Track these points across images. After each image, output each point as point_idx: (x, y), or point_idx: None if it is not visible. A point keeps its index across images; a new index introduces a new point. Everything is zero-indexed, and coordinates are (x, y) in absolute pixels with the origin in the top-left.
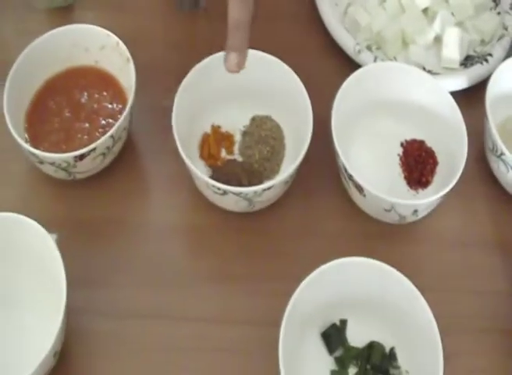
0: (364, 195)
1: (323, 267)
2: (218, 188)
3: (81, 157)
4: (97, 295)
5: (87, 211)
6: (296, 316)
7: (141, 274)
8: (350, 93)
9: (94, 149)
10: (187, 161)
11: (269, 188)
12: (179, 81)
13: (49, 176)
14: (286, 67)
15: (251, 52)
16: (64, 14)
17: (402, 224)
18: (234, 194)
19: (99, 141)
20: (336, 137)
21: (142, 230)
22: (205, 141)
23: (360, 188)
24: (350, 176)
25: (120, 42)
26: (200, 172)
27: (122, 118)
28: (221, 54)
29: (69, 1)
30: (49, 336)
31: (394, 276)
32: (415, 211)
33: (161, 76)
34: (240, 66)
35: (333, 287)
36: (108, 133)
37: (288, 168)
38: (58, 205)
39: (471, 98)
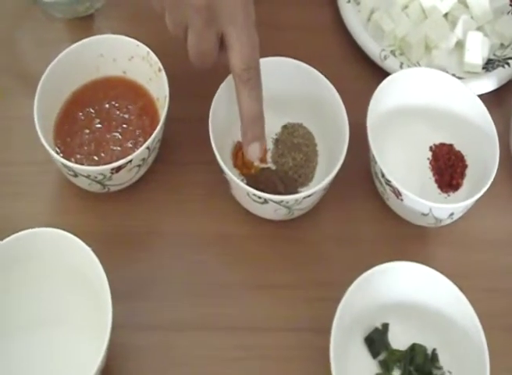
0: (402, 200)
1: (368, 273)
2: (259, 197)
3: (118, 169)
4: (137, 308)
5: (122, 223)
6: (342, 322)
7: (181, 285)
8: (381, 99)
9: (130, 161)
10: (227, 170)
11: (310, 195)
12: (208, 91)
13: (81, 190)
14: (318, 74)
15: (283, 60)
16: (84, 24)
17: (436, 227)
18: (275, 202)
19: (136, 153)
20: (372, 143)
21: (179, 240)
22: (239, 151)
23: (397, 193)
24: (388, 182)
25: (150, 52)
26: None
27: (157, 129)
28: None
29: (90, 11)
30: (95, 353)
31: (436, 278)
32: (451, 214)
33: (188, 86)
34: (262, 153)
35: (376, 292)
36: (145, 145)
37: (322, 174)
38: (92, 218)
39: (492, 101)
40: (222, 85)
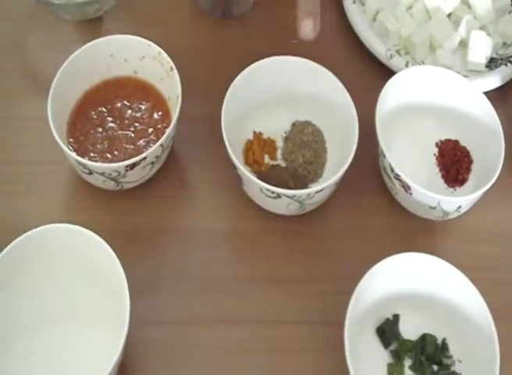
0: (411, 194)
1: (379, 264)
2: (272, 192)
3: (132, 166)
4: (150, 303)
5: (135, 220)
6: (354, 314)
7: (194, 281)
8: (389, 96)
9: (144, 158)
10: (240, 166)
11: (321, 190)
12: (218, 90)
13: (94, 188)
14: (327, 73)
15: (291, 59)
16: (93, 26)
17: (443, 220)
18: (287, 197)
19: (150, 150)
20: (381, 139)
21: (191, 236)
22: (249, 148)
23: (406, 187)
24: (397, 176)
25: (162, 52)
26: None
27: (171, 126)
28: (260, 62)
29: (99, 13)
30: (112, 347)
31: (446, 268)
32: (459, 207)
33: (198, 85)
34: (316, 30)
35: (387, 284)
36: (159, 142)
37: (332, 171)
38: (105, 215)
39: (496, 99)
40: (234, 83)
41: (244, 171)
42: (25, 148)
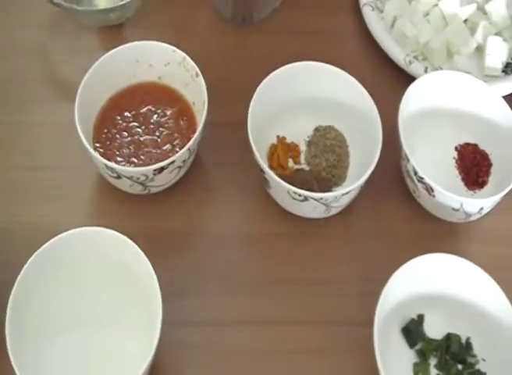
0: (434, 196)
1: (406, 265)
2: (300, 195)
3: (160, 170)
4: (180, 305)
5: (162, 224)
6: (382, 314)
7: (220, 283)
8: (410, 101)
9: (172, 162)
10: (267, 170)
11: (347, 193)
12: (239, 95)
13: (120, 192)
14: (351, 78)
15: (315, 64)
16: (115, 32)
17: (465, 222)
18: (314, 199)
19: (178, 154)
20: (404, 143)
21: (217, 239)
22: (274, 152)
23: (430, 189)
24: (421, 179)
25: (187, 57)
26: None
27: (198, 131)
28: (285, 67)
29: (121, 20)
30: (144, 349)
31: (470, 268)
32: (481, 209)
33: (220, 90)
34: None
35: (412, 284)
36: (186, 146)
37: (354, 175)
38: (132, 219)
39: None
40: (259, 88)
41: (272, 174)
42: (51, 153)
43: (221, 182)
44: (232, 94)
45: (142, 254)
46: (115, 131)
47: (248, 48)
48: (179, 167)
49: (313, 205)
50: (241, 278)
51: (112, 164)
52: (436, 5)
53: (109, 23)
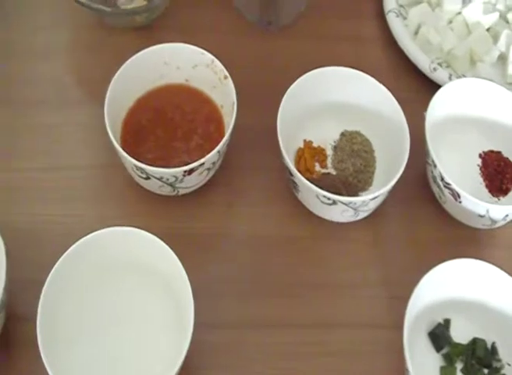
0: (460, 202)
1: (434, 270)
2: (329, 198)
3: (190, 171)
4: (207, 306)
5: (189, 225)
6: (410, 318)
7: (249, 285)
8: (436, 108)
9: (202, 164)
10: (297, 173)
11: (376, 197)
12: (266, 98)
13: (146, 193)
14: (377, 84)
15: (342, 69)
16: (142, 33)
17: (490, 229)
18: (343, 203)
19: (208, 156)
20: (431, 149)
21: (245, 242)
22: (301, 156)
23: (456, 195)
24: (448, 185)
25: (216, 60)
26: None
27: (228, 133)
28: (313, 72)
29: (147, 21)
30: (175, 350)
31: (496, 274)
32: (506, 215)
33: (246, 94)
34: None
35: (439, 289)
36: (216, 148)
37: (380, 180)
38: (159, 220)
39: None
40: (288, 93)
41: (301, 178)
42: (78, 153)
43: (248, 185)
44: (258, 97)
45: (173, 255)
46: (142, 132)
47: (273, 52)
48: (208, 169)
49: (341, 209)
50: (268, 281)
51: (141, 165)
52: (459, 13)
53: (136, 25)
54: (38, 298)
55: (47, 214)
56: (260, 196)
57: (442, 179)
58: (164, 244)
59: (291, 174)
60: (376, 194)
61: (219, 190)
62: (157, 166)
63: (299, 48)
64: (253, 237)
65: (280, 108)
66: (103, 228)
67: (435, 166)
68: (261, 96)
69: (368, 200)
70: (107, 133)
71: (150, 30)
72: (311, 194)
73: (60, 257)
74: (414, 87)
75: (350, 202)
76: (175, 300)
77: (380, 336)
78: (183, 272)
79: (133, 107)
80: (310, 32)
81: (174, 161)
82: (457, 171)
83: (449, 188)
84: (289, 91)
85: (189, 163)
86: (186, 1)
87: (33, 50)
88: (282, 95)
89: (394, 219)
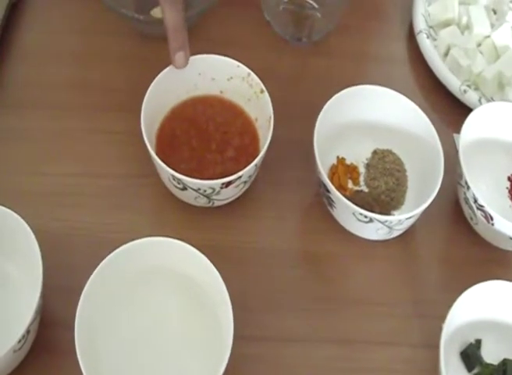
0: (493, 224)
1: (468, 292)
2: (365, 216)
3: (228, 184)
4: (239, 319)
5: (224, 238)
6: (445, 339)
7: (282, 299)
8: (468, 131)
9: (240, 177)
10: (334, 190)
11: (411, 217)
12: (299, 113)
13: (180, 203)
14: (411, 104)
15: (375, 88)
16: None
17: None
18: (379, 222)
19: (245, 169)
20: (465, 171)
21: (278, 255)
22: (334, 172)
23: (489, 218)
24: (481, 207)
25: (252, 73)
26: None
27: (265, 147)
28: (349, 89)
29: None
30: (211, 362)
31: None
32: None
33: (280, 108)
34: (187, 61)
35: (472, 310)
36: (254, 162)
37: (412, 199)
38: (194, 231)
39: None
40: (324, 109)
41: (338, 195)
42: (112, 161)
43: (281, 199)
44: (290, 112)
45: (212, 266)
46: (176, 143)
47: (304, 68)
48: (245, 182)
49: (377, 227)
50: (299, 295)
51: (179, 175)
52: (488, 36)
53: None
54: (72, 304)
55: (82, 221)
56: (293, 210)
57: (476, 201)
58: (202, 256)
59: (327, 191)
60: (412, 213)
61: (252, 203)
62: (192, 177)
63: (330, 66)
64: (284, 251)
65: (317, 124)
66: (137, 237)
67: (468, 188)
68: (294, 111)
69: (404, 219)
70: (141, 143)
71: None
72: (347, 211)
73: (94, 264)
74: (443, 108)
75: (386, 221)
76: (213, 312)
77: (411, 355)
78: (222, 284)
79: (167, 117)
80: (340, 50)
81: (208, 172)
82: (486, 193)
83: (482, 210)
84: (325, 106)
85: (223, 175)
86: (218, 13)
87: (68, 56)
88: (314, 111)
89: (425, 238)
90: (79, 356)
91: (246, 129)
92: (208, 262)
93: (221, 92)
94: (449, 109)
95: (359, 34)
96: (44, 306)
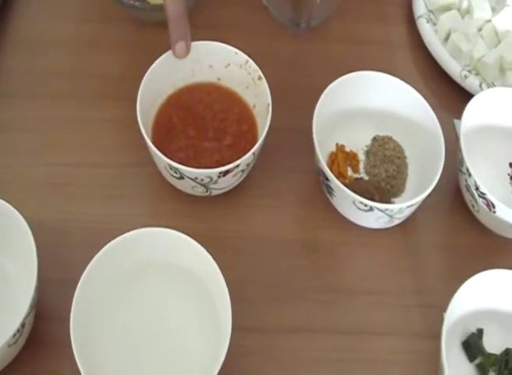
0: (495, 212)
1: (469, 281)
2: (365, 205)
3: (225, 173)
4: (239, 310)
5: (221, 227)
6: (447, 328)
7: (280, 289)
8: (469, 117)
9: (237, 165)
10: (333, 178)
11: (412, 205)
12: (298, 100)
13: (176, 192)
14: (411, 90)
15: (375, 74)
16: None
17: None
18: (380, 210)
19: (243, 158)
20: (466, 158)
21: (276, 244)
22: (334, 160)
23: (491, 205)
24: (483, 194)
25: (250, 60)
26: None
27: (263, 134)
28: (348, 76)
29: None
30: (210, 354)
31: None
32: None
33: (278, 95)
34: (188, 51)
35: (474, 299)
36: (252, 150)
37: (412, 186)
38: (191, 221)
39: None
40: (322, 96)
41: (338, 183)
42: (107, 151)
43: (279, 187)
44: (288, 98)
45: (209, 257)
46: (173, 132)
47: (303, 54)
48: (243, 171)
49: (377, 215)
50: (300, 285)
51: (176, 164)
52: (489, 20)
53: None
54: (68, 296)
55: (77, 211)
56: (291, 199)
57: (477, 188)
58: (200, 246)
59: (327, 179)
60: (413, 201)
61: (251, 192)
62: (189, 166)
63: (328, 51)
64: (284, 241)
65: (316, 111)
66: (133, 227)
67: (469, 175)
68: (292, 97)
69: (405, 207)
70: (137, 131)
71: None
72: (347, 200)
73: (90, 256)
74: (443, 93)
75: (387, 209)
76: (210, 302)
77: (413, 344)
78: (220, 275)
79: (163, 105)
80: (339, 35)
81: (206, 160)
82: (488, 180)
83: (483, 198)
84: (324, 93)
85: (221, 163)
86: None
87: (63, 44)
88: (313, 97)
89: (426, 226)
90: (74, 349)
91: (244, 116)
92: (206, 252)
93: (218, 79)
94: (450, 95)
95: (358, 20)
96: (40, 299)
